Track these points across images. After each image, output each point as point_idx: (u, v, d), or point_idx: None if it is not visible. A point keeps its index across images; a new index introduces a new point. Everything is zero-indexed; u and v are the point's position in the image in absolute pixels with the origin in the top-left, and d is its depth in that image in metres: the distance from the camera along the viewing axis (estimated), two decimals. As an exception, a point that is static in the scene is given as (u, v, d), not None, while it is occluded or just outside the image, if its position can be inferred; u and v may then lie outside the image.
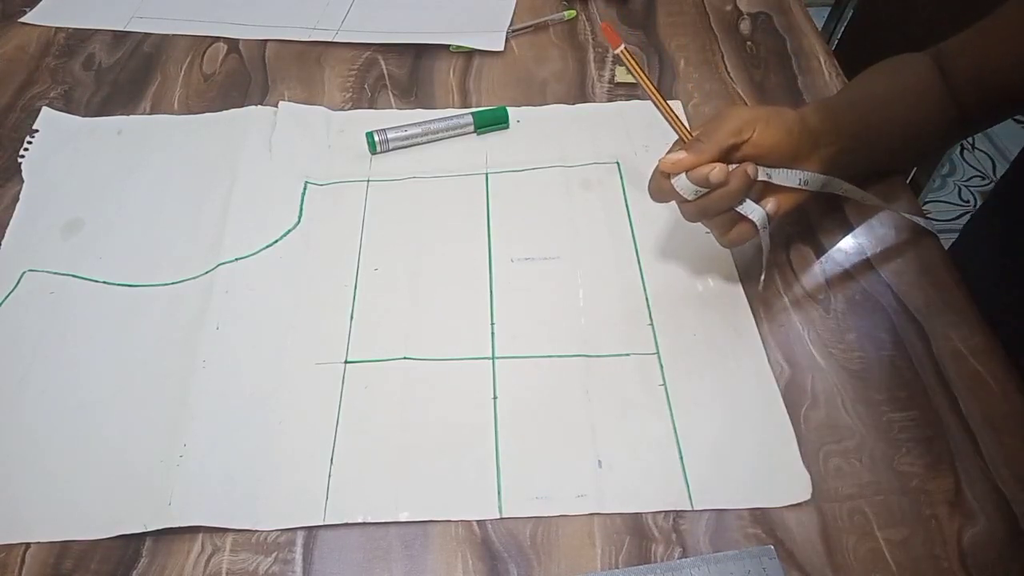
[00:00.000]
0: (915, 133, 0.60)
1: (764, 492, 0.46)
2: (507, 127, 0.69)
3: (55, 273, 0.59)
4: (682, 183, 0.50)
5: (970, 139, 1.80)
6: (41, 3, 0.85)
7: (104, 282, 0.58)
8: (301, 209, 0.63)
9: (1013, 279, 0.62)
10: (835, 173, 0.54)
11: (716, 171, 0.48)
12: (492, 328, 0.55)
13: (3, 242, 0.61)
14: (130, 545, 0.45)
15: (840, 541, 0.45)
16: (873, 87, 0.60)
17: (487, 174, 0.65)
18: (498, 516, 0.46)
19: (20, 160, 0.67)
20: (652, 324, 0.55)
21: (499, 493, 0.47)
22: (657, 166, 0.51)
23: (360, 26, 0.80)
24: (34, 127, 0.70)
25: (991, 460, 0.47)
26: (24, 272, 0.59)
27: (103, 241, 0.61)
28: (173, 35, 0.80)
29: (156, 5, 0.84)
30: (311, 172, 0.65)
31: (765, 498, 0.46)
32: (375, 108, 0.72)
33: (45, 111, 0.71)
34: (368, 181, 0.65)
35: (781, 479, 0.47)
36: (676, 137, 0.52)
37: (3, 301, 0.57)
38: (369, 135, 0.66)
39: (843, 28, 1.11)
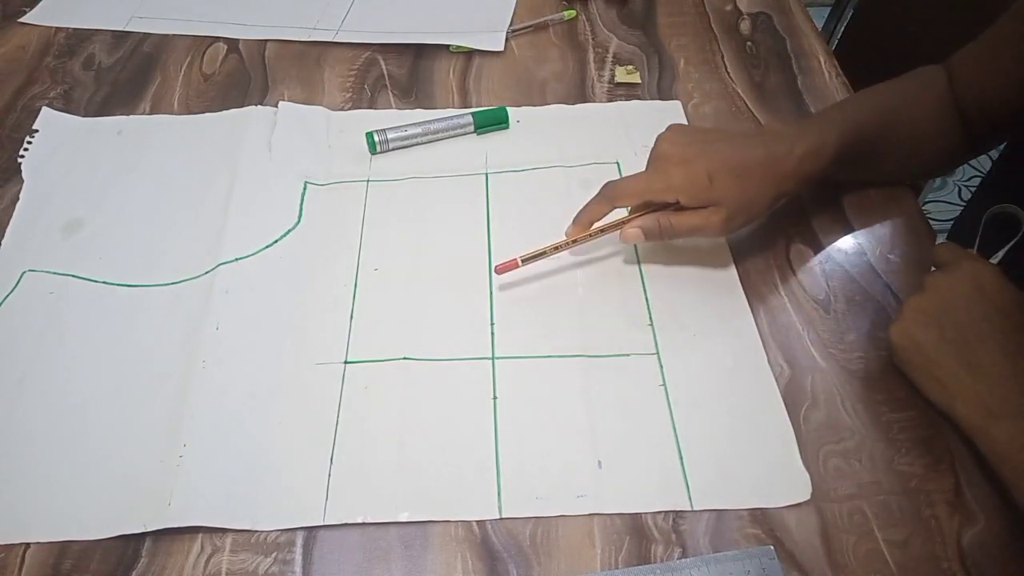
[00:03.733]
0: (917, 146, 0.60)
1: (764, 492, 0.46)
2: (507, 127, 0.69)
3: (55, 273, 0.59)
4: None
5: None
6: (41, 3, 0.85)
7: (104, 282, 0.58)
8: (301, 209, 0.63)
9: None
10: (827, 179, 0.55)
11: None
12: (492, 328, 0.55)
13: (3, 242, 0.61)
14: (130, 545, 0.45)
15: (840, 541, 0.45)
16: (878, 99, 0.59)
17: (487, 174, 0.65)
18: (498, 516, 0.46)
19: (20, 160, 0.67)
20: (652, 324, 0.55)
21: (499, 493, 0.47)
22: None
23: (360, 26, 0.80)
24: (34, 127, 0.70)
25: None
26: (24, 272, 0.59)
27: (103, 241, 0.61)
28: (173, 35, 0.80)
29: (156, 5, 0.84)
30: (311, 172, 0.65)
31: (765, 498, 0.46)
32: (375, 108, 0.72)
33: (45, 111, 0.71)
34: (368, 181, 0.65)
35: (781, 479, 0.47)
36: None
37: (3, 301, 0.57)
38: (369, 135, 0.66)
39: (843, 28, 1.11)
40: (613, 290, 0.57)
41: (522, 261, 0.55)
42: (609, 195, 0.55)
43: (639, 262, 0.59)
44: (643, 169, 0.55)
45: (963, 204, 1.68)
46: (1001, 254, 0.52)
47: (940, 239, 0.60)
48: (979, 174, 1.74)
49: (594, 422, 0.50)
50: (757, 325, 0.54)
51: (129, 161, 0.67)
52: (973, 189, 1.71)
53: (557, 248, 0.56)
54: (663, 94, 0.73)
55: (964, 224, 0.74)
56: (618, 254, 0.59)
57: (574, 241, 0.56)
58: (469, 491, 0.47)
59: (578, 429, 0.49)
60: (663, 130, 0.55)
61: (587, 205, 0.56)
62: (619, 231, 0.56)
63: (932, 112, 0.59)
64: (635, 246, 0.59)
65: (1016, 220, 0.53)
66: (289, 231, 0.61)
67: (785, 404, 0.50)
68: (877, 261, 0.58)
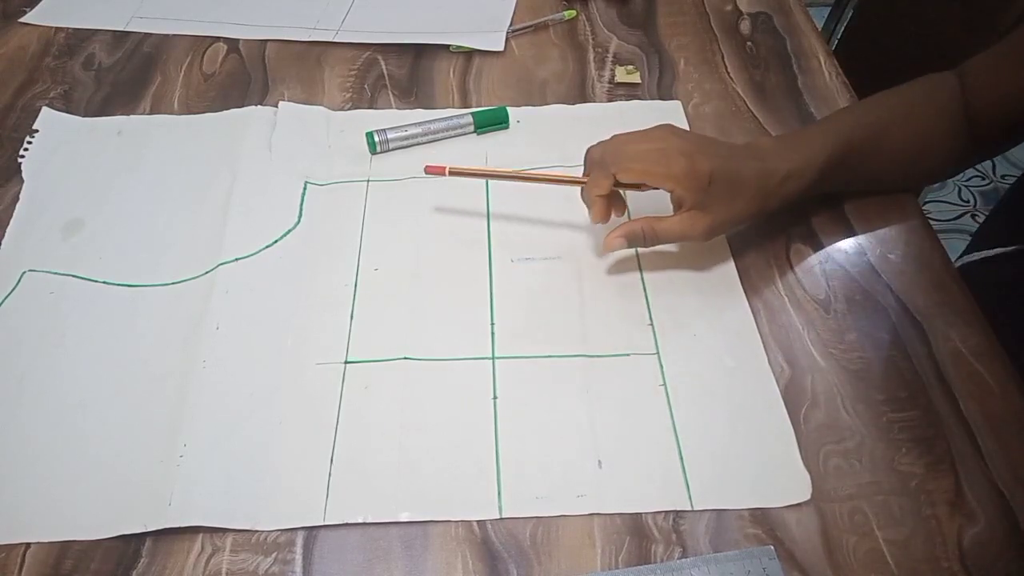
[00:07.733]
0: (918, 152, 0.59)
1: (764, 492, 0.46)
2: (507, 127, 0.69)
3: (55, 273, 0.59)
4: None
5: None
6: (41, 3, 0.85)
7: (104, 282, 0.58)
8: (301, 209, 0.63)
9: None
10: (815, 193, 0.57)
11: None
12: (492, 328, 0.55)
13: (3, 242, 0.61)
14: (130, 545, 0.45)
15: (840, 541, 0.45)
16: (875, 108, 0.59)
17: (487, 174, 0.65)
18: (498, 516, 0.46)
19: (20, 160, 0.67)
20: (652, 324, 0.55)
21: (499, 493, 0.47)
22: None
23: (360, 26, 0.80)
24: (34, 127, 0.70)
25: (991, 460, 0.47)
26: (24, 272, 0.59)
27: (103, 241, 0.61)
28: (173, 35, 0.80)
29: (156, 5, 0.84)
30: (311, 172, 0.65)
31: (765, 498, 0.46)
32: (375, 108, 0.72)
33: (45, 111, 0.71)
34: (368, 181, 0.65)
35: (781, 479, 0.47)
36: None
37: (3, 301, 0.57)
38: (369, 135, 0.66)
39: (843, 28, 1.11)
40: (613, 290, 0.57)
41: (449, 172, 0.57)
42: (609, 167, 0.52)
43: (639, 262, 0.59)
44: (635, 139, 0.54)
45: (963, 204, 1.68)
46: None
47: (940, 239, 0.60)
48: (979, 173, 1.74)
49: (594, 422, 0.50)
50: (757, 325, 0.54)
51: (129, 161, 0.67)
52: (973, 189, 1.71)
53: (495, 174, 0.60)
54: (663, 94, 0.73)
55: (989, 230, 0.73)
56: (618, 254, 0.59)
57: (522, 178, 0.58)
58: (469, 491, 0.47)
59: (578, 429, 0.49)
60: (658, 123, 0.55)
61: (592, 181, 0.54)
62: (602, 228, 0.55)
63: (936, 117, 0.58)
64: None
65: None
66: (289, 231, 0.61)
67: (785, 404, 0.50)
68: (877, 261, 0.58)
